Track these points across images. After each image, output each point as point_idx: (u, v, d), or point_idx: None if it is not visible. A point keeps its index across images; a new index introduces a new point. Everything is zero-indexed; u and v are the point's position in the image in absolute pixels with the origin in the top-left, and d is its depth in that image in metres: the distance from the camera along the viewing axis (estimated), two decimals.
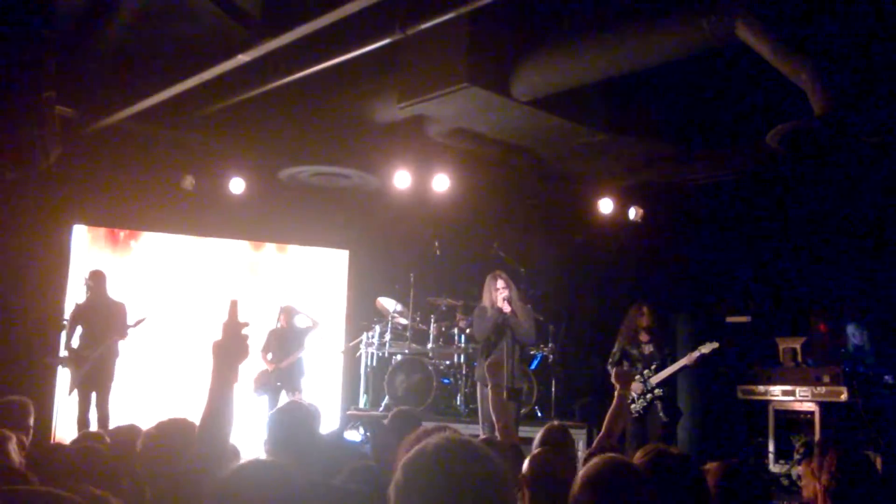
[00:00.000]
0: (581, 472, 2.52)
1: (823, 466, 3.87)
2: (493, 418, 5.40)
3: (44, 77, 7.94)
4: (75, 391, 9.27)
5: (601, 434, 4.97)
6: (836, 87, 6.05)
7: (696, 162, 10.05)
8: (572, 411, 10.72)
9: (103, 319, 9.44)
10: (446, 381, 11.01)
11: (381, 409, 10.41)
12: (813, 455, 4.53)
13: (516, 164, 10.44)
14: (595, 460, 2.55)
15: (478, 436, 4.77)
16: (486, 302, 8.36)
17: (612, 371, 5.81)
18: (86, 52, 8.42)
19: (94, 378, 9.29)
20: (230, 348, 2.84)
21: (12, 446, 3.93)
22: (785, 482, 9.04)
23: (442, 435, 1.92)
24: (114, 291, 9.78)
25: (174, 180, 10.15)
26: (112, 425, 8.02)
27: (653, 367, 8.64)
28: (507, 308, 8.11)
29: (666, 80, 8.31)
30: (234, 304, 2.86)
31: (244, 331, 2.85)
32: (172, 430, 3.52)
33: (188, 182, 10.16)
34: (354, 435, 10.09)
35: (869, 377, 9.50)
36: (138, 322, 9.57)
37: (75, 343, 9.43)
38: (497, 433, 5.24)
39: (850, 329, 10.05)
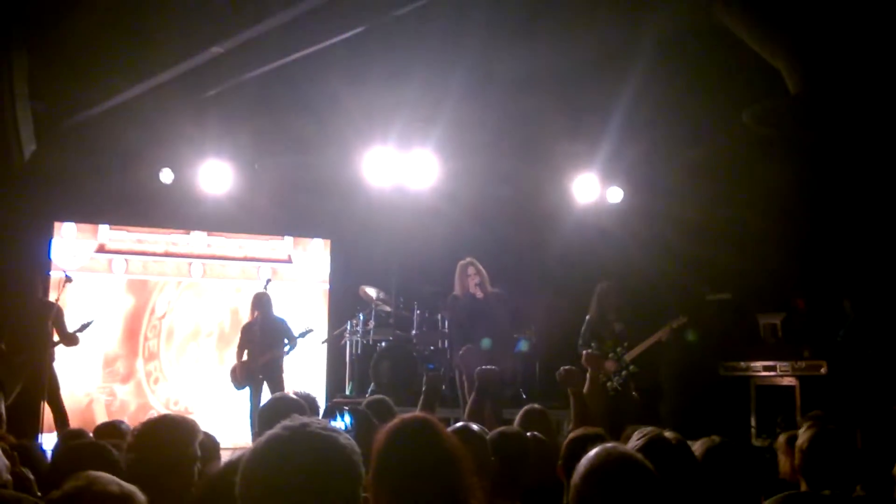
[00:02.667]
0: (584, 463, 2.45)
1: (797, 443, 3.91)
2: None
3: (15, 73, 7.92)
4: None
5: (576, 411, 5.02)
6: (812, 66, 6.09)
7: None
8: (557, 393, 10.75)
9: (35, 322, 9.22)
10: (431, 366, 11.03)
11: (366, 396, 10.40)
12: (789, 431, 4.59)
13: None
14: (598, 451, 2.48)
15: (458, 420, 4.78)
16: (457, 290, 8.45)
17: (583, 354, 5.87)
18: (59, 47, 8.36)
19: (35, 384, 9.01)
20: None
21: None
22: (767, 456, 9.12)
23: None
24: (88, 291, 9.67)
25: (152, 174, 10.08)
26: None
27: (625, 344, 8.66)
28: (479, 294, 8.18)
29: None
30: None
31: None
32: (162, 426, 3.54)
33: (166, 175, 10.09)
34: (339, 424, 10.07)
35: (850, 351, 9.57)
36: (84, 326, 9.44)
37: None
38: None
39: (848, 303, 10.07)
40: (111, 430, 5.08)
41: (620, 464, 2.42)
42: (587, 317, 8.92)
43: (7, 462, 3.81)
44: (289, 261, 12.03)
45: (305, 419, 1.88)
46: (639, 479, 2.39)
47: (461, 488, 2.52)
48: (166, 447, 3.24)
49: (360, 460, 1.86)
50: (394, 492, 2.39)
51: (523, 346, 10.99)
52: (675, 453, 2.96)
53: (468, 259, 8.65)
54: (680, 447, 3.04)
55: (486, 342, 8.40)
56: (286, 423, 1.86)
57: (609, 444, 2.58)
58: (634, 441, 2.96)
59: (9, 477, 3.70)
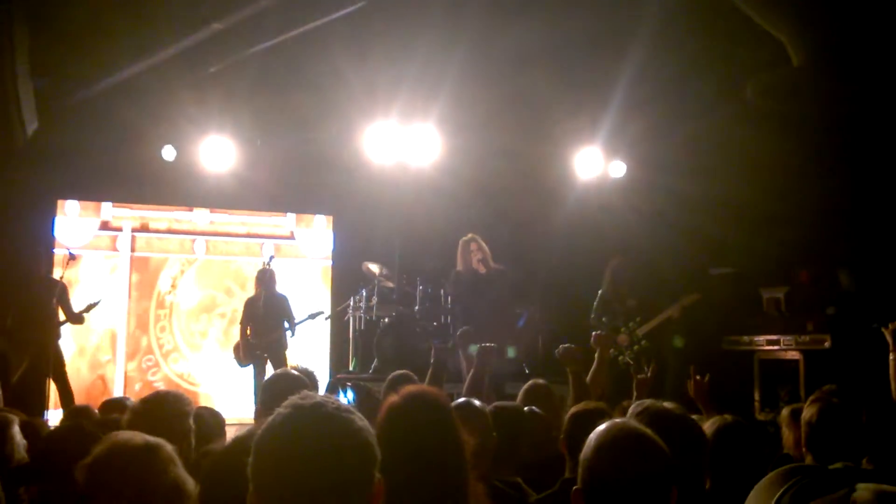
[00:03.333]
0: (594, 437, 2.46)
1: (803, 417, 3.91)
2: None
3: (17, 50, 7.89)
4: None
5: (575, 390, 5.04)
6: (815, 38, 6.07)
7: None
8: (560, 368, 10.77)
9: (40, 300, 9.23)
10: (436, 341, 11.04)
11: (370, 372, 10.44)
12: (792, 404, 4.59)
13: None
14: (608, 426, 2.49)
15: (459, 395, 4.80)
16: (460, 266, 8.48)
17: (592, 335, 5.88)
18: (61, 23, 8.33)
19: (41, 361, 9.07)
20: None
21: (15, 430, 3.92)
22: (771, 429, 9.14)
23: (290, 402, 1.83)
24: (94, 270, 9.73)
25: (154, 151, 10.07)
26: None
27: (637, 319, 8.69)
28: (481, 269, 8.22)
29: None
30: None
31: None
32: (159, 403, 3.58)
33: (168, 152, 10.07)
34: (341, 399, 10.10)
35: (854, 324, 9.56)
36: (90, 306, 9.48)
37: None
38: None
39: (842, 274, 10.07)
40: (116, 405, 5.12)
41: (632, 438, 2.43)
42: (600, 291, 8.94)
43: (24, 441, 3.85)
44: (291, 237, 12.05)
45: (318, 397, 1.86)
46: (649, 453, 2.40)
47: (461, 467, 2.54)
48: (160, 422, 3.28)
49: (375, 441, 1.84)
50: (393, 468, 2.40)
51: (524, 321, 11.01)
52: (678, 424, 2.97)
53: (470, 235, 8.73)
54: (681, 418, 3.06)
55: (510, 351, 8.52)
56: (298, 400, 1.83)
57: (618, 419, 2.60)
58: (633, 412, 2.97)
59: (25, 455, 3.74)
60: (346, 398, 10.12)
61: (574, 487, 2.45)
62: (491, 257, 8.69)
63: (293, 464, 1.74)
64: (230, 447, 2.55)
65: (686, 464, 2.80)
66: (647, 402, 3.15)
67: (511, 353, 9.71)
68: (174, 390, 3.93)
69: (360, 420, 1.85)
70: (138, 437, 2.56)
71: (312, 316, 10.29)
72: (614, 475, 2.36)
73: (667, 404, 3.08)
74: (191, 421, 3.51)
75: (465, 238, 8.74)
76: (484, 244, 8.63)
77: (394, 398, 2.60)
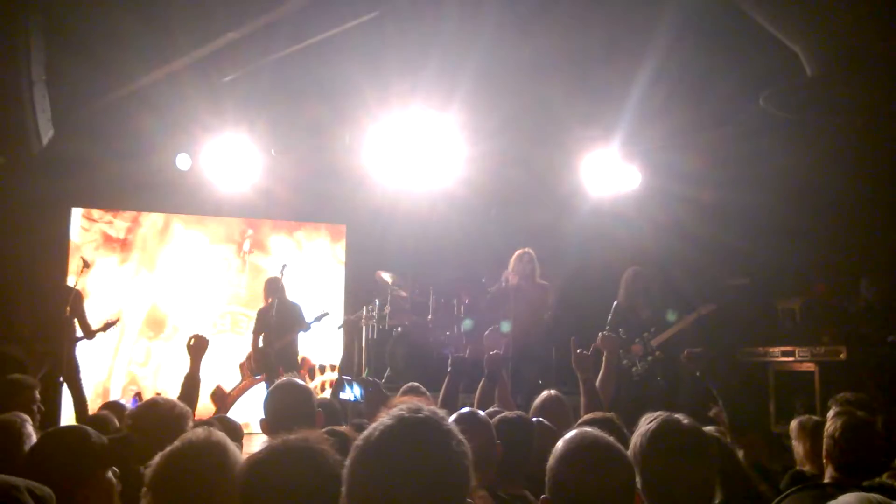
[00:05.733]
0: (559, 446, 2.52)
1: (827, 429, 3.87)
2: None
3: (33, 59, 7.93)
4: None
5: (587, 398, 5.01)
6: (830, 48, 6.03)
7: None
8: (573, 378, 10.72)
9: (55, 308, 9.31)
10: (447, 351, 11.02)
11: (383, 381, 10.42)
12: (806, 415, 4.54)
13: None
14: (573, 433, 2.55)
15: (471, 406, 4.77)
16: (507, 276, 8.86)
17: (599, 336, 5.84)
18: (76, 32, 8.37)
19: (55, 369, 9.17)
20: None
21: (30, 429, 3.94)
22: (787, 442, 9.07)
23: (396, 414, 1.79)
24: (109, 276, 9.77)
25: (169, 160, 10.10)
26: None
27: (652, 329, 8.65)
28: (526, 283, 8.36)
29: None
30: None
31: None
32: (152, 411, 3.64)
33: (183, 161, 10.10)
34: (349, 395, 10.11)
35: (870, 336, 9.49)
36: (107, 324, 9.52)
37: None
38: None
39: (863, 284, 9.98)
40: (114, 408, 5.20)
41: (594, 447, 2.47)
42: (615, 303, 8.91)
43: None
44: (305, 245, 12.06)
45: (425, 411, 1.80)
46: (611, 462, 2.44)
47: (459, 484, 2.53)
48: (153, 429, 3.31)
49: (471, 465, 1.81)
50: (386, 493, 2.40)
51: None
52: (688, 436, 2.93)
53: (526, 249, 9.01)
54: (692, 430, 3.01)
55: (504, 326, 8.50)
56: (403, 414, 1.79)
57: (586, 429, 2.61)
58: (644, 424, 2.94)
59: None
60: (352, 393, 10.11)
61: (542, 496, 2.49)
62: (539, 273, 8.95)
63: (393, 479, 1.70)
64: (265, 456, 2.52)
65: (698, 477, 2.78)
66: (659, 413, 3.11)
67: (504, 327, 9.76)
68: (170, 399, 3.96)
69: (458, 444, 1.80)
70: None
71: (318, 318, 10.29)
72: (575, 484, 2.42)
73: (680, 417, 3.04)
74: (186, 429, 3.53)
75: (519, 251, 9.03)
76: (535, 260, 8.92)
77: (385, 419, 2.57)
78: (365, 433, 1.79)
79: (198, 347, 5.00)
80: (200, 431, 2.61)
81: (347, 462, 1.76)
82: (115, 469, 2.86)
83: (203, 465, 2.48)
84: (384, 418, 1.78)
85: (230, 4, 7.40)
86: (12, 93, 7.64)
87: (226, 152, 10.15)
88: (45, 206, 10.27)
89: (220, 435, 2.61)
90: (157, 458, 2.52)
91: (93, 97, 9.12)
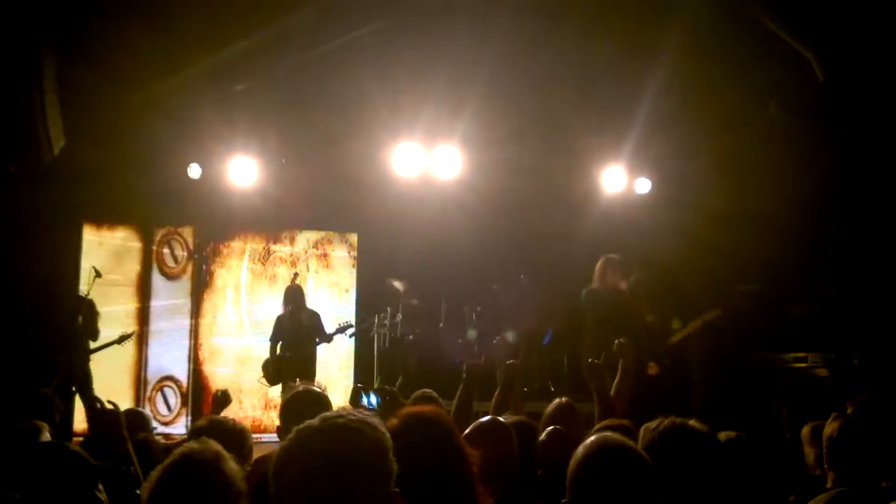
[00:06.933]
0: (580, 450, 2.53)
1: (825, 433, 3.87)
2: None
3: (44, 69, 7.97)
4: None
5: (600, 407, 4.99)
6: (841, 55, 6.04)
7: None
8: (585, 385, 10.70)
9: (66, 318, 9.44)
10: (458, 360, 11.02)
11: (395, 388, 10.41)
12: (814, 422, 4.53)
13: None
14: (594, 438, 2.57)
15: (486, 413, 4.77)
16: (597, 284, 8.67)
17: (615, 343, 5.80)
18: (88, 42, 8.41)
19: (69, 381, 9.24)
20: None
21: (46, 436, 4.06)
22: (798, 448, 9.04)
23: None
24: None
25: (181, 169, 10.11)
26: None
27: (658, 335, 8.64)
28: (623, 287, 8.33)
29: None
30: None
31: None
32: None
33: (194, 171, 10.09)
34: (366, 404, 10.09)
35: (883, 340, 9.45)
36: (123, 337, 9.65)
37: None
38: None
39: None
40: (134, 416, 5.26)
41: (616, 452, 2.48)
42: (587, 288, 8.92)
43: None
44: (317, 254, 12.07)
45: (334, 415, 1.89)
46: (633, 467, 2.45)
47: (466, 487, 2.54)
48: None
49: (390, 453, 1.86)
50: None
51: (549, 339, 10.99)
52: (698, 442, 2.94)
53: (613, 255, 8.85)
54: (703, 436, 3.02)
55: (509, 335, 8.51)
56: (312, 421, 1.88)
57: (607, 433, 2.65)
58: (651, 430, 2.96)
59: None
60: (370, 403, 10.09)
61: (562, 501, 2.49)
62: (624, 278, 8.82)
63: (304, 482, 1.78)
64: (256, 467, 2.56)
65: (701, 482, 2.82)
66: (669, 419, 3.12)
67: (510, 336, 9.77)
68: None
69: (374, 432, 1.87)
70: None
71: (341, 329, 10.24)
72: (597, 489, 2.43)
73: (691, 422, 3.04)
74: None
75: (607, 257, 8.83)
76: (621, 264, 8.78)
77: (392, 421, 2.59)
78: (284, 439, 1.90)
79: (220, 402, 5.29)
80: (195, 444, 2.63)
81: (270, 466, 1.85)
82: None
83: (198, 479, 2.51)
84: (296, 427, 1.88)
85: (242, 13, 7.43)
86: (24, 102, 7.67)
87: (237, 162, 10.17)
88: (56, 216, 10.27)
89: (216, 446, 2.63)
90: (154, 473, 2.54)
91: (104, 107, 9.15)
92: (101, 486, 3.04)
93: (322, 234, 12.10)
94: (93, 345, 9.56)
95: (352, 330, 10.47)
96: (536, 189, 11.27)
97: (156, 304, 11.23)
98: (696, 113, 9.67)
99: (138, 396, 10.95)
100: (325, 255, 12.07)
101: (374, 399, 10.01)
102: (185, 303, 11.40)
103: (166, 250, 11.35)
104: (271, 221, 11.66)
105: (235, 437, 3.72)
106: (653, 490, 2.45)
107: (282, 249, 11.90)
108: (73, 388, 9.28)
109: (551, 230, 11.37)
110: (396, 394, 5.95)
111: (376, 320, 11.34)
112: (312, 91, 9.34)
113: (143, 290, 11.11)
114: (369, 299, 11.82)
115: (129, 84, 8.78)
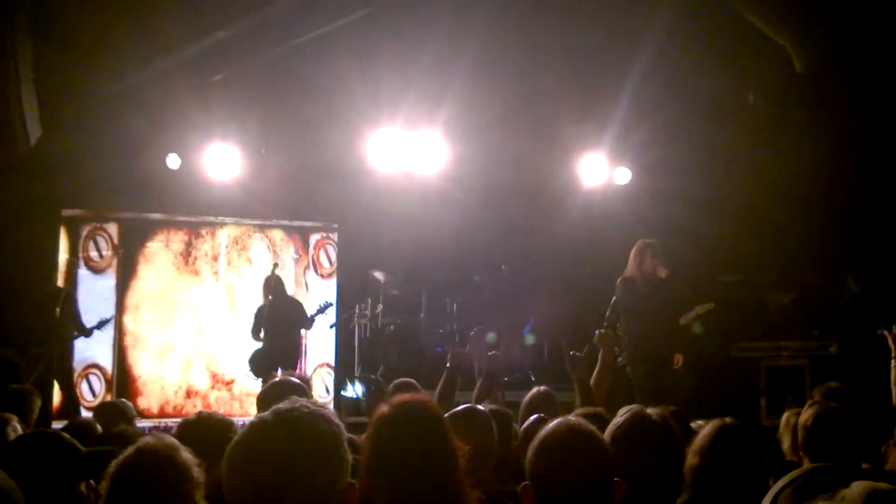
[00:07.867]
0: (539, 434, 2.60)
1: (800, 420, 3.89)
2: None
3: (20, 58, 7.91)
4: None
5: (581, 397, 4.99)
6: (818, 44, 6.06)
7: None
8: (565, 375, 10.72)
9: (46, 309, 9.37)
10: (439, 349, 11.03)
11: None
12: (792, 409, 4.55)
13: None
14: (553, 424, 2.62)
15: (468, 402, 4.75)
16: (632, 272, 8.17)
17: (596, 334, 5.79)
18: (64, 31, 8.34)
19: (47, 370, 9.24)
20: None
21: (13, 426, 4.04)
22: (776, 436, 9.08)
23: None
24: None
25: (158, 159, 10.02)
26: None
27: None
28: (662, 274, 8.00)
29: None
30: None
31: None
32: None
33: (172, 161, 10.01)
34: (350, 392, 10.11)
35: (860, 329, 9.50)
36: (102, 323, 9.60)
37: None
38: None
39: (851, 278, 10.00)
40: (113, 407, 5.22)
41: (570, 435, 2.56)
42: (613, 299, 8.83)
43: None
44: (296, 244, 12.00)
45: (289, 405, 1.88)
46: (586, 449, 2.53)
47: (453, 476, 2.53)
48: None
49: (344, 444, 1.86)
50: (385, 479, 2.42)
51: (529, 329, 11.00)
52: (657, 430, 2.98)
53: (648, 240, 8.24)
54: (661, 424, 3.04)
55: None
56: (267, 412, 1.88)
57: (570, 417, 2.75)
58: (618, 417, 3.01)
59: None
60: (354, 391, 10.09)
61: (523, 483, 2.57)
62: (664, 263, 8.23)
63: (252, 474, 1.78)
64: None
65: (663, 469, 2.89)
66: (633, 407, 3.15)
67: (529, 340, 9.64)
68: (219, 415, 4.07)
69: (327, 423, 1.86)
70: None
71: (321, 309, 10.22)
72: (551, 470, 2.52)
73: (650, 410, 3.08)
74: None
75: (642, 242, 8.22)
76: (661, 249, 8.20)
77: (383, 408, 2.58)
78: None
79: None
80: (150, 439, 2.65)
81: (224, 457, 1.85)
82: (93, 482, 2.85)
83: (154, 473, 2.53)
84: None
85: (219, 3, 7.38)
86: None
87: (216, 151, 10.09)
88: (33, 207, 10.18)
89: (171, 441, 2.66)
90: (111, 468, 2.55)
91: (81, 96, 9.08)
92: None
93: (242, 229, 11.90)
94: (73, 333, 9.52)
95: (332, 308, 10.42)
96: (518, 179, 11.26)
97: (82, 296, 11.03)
98: (676, 102, 9.69)
99: None
100: (245, 249, 11.87)
101: (359, 387, 10.05)
102: (111, 296, 11.22)
103: (91, 244, 11.18)
104: (250, 212, 11.57)
105: (222, 430, 3.69)
106: (605, 471, 2.52)
107: (203, 246, 11.69)
108: (53, 380, 9.24)
109: (532, 222, 11.37)
110: (381, 382, 5.94)
111: (357, 311, 11.32)
112: (292, 80, 9.30)
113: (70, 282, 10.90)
114: (350, 290, 11.78)
115: (105, 73, 8.73)
